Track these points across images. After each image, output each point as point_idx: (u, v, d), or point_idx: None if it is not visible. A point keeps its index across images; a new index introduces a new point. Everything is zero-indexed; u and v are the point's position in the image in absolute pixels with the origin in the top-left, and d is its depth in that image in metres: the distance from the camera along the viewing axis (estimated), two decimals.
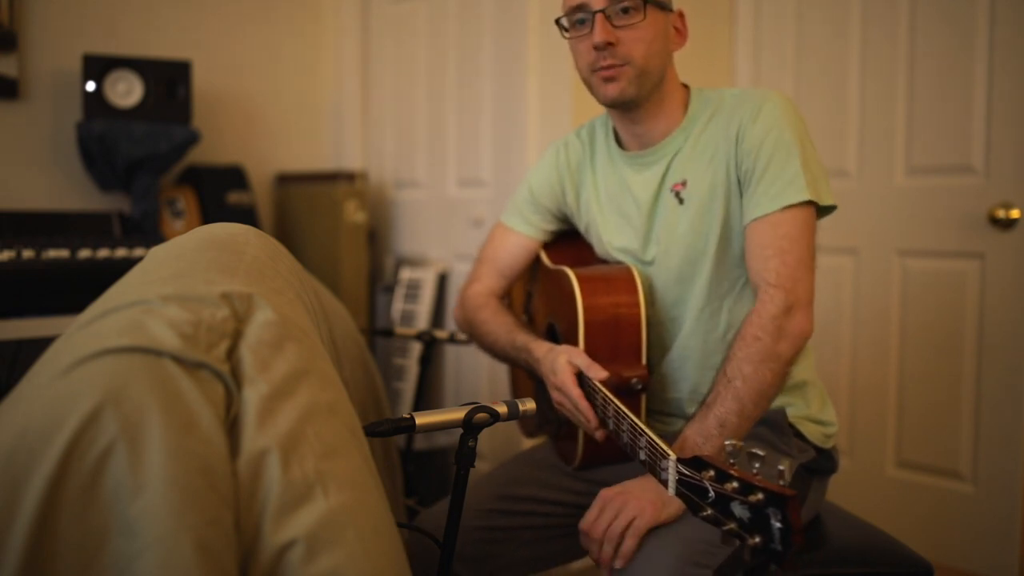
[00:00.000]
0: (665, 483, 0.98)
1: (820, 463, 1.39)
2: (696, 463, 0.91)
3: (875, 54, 2.43)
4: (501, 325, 1.50)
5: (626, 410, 1.14)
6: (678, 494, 0.95)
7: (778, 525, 0.77)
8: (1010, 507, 2.19)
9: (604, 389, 1.23)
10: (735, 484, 0.83)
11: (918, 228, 2.37)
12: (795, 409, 1.39)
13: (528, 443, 2.02)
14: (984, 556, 2.24)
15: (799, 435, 1.37)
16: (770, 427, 1.35)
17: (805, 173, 1.26)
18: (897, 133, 2.40)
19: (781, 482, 0.80)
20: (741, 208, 1.32)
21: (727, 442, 0.88)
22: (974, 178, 2.26)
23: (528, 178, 1.59)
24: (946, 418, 2.32)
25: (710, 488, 0.87)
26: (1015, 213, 2.17)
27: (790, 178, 1.26)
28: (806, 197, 1.25)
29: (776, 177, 1.27)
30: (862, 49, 2.46)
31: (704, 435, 1.19)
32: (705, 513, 0.88)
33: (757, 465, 0.84)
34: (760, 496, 0.80)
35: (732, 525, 0.83)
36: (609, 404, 1.20)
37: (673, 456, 0.97)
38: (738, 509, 0.83)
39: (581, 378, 1.30)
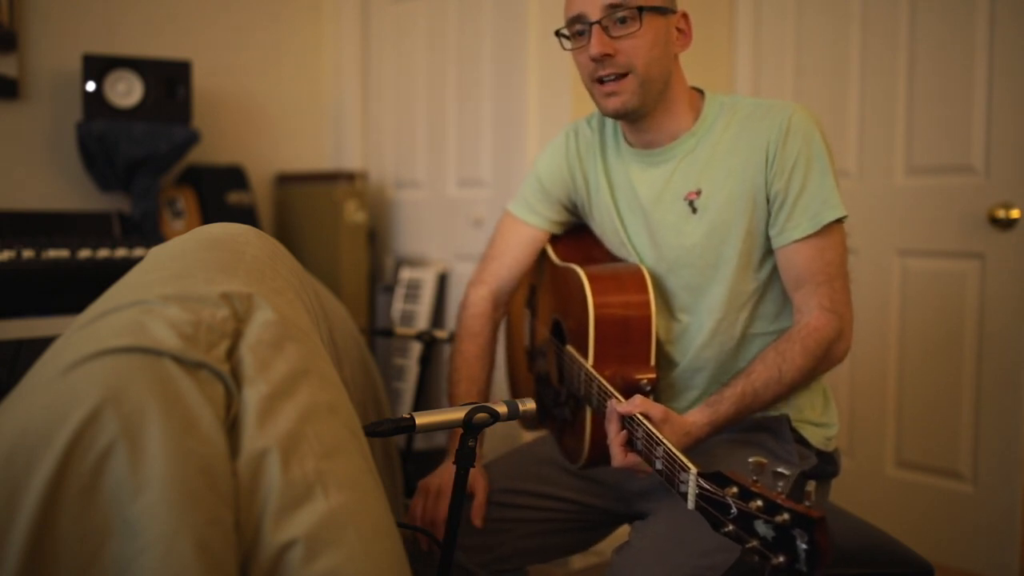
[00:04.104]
0: (684, 496, 0.97)
1: (822, 468, 1.38)
2: (718, 479, 0.90)
3: (875, 54, 2.43)
4: (462, 381, 1.51)
5: (642, 418, 1.12)
6: (698, 508, 0.94)
7: (804, 547, 0.77)
8: (1010, 507, 2.19)
9: (619, 394, 1.20)
10: (759, 503, 0.83)
11: (918, 228, 2.37)
12: (797, 412, 1.38)
13: (528, 436, 2.02)
14: (984, 556, 2.24)
15: (801, 440, 1.37)
16: (772, 434, 1.35)
17: (837, 189, 1.30)
18: (897, 133, 2.40)
19: (807, 503, 0.80)
20: (768, 224, 1.33)
21: (751, 459, 0.88)
22: (974, 178, 2.26)
23: (536, 166, 1.55)
24: (946, 418, 2.32)
25: (732, 504, 0.86)
26: (1015, 213, 2.17)
27: (825, 196, 1.29)
28: (842, 214, 1.29)
29: (813, 196, 1.29)
30: (862, 49, 2.46)
31: (725, 395, 1.25)
32: (727, 529, 0.87)
33: (781, 484, 0.83)
34: (786, 516, 0.79)
35: (754, 543, 0.83)
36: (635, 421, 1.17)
37: (694, 470, 0.95)
38: (761, 527, 0.82)
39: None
